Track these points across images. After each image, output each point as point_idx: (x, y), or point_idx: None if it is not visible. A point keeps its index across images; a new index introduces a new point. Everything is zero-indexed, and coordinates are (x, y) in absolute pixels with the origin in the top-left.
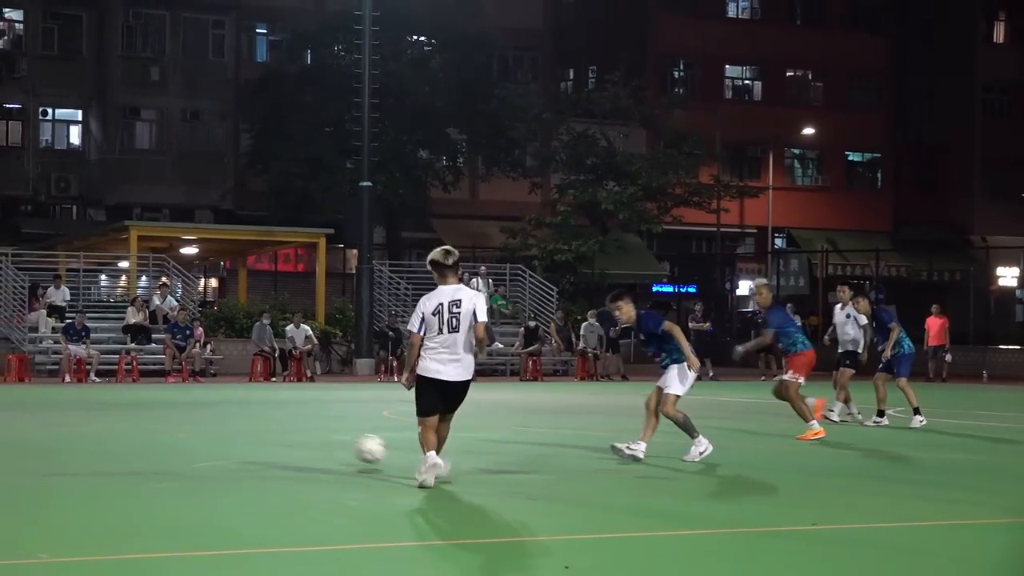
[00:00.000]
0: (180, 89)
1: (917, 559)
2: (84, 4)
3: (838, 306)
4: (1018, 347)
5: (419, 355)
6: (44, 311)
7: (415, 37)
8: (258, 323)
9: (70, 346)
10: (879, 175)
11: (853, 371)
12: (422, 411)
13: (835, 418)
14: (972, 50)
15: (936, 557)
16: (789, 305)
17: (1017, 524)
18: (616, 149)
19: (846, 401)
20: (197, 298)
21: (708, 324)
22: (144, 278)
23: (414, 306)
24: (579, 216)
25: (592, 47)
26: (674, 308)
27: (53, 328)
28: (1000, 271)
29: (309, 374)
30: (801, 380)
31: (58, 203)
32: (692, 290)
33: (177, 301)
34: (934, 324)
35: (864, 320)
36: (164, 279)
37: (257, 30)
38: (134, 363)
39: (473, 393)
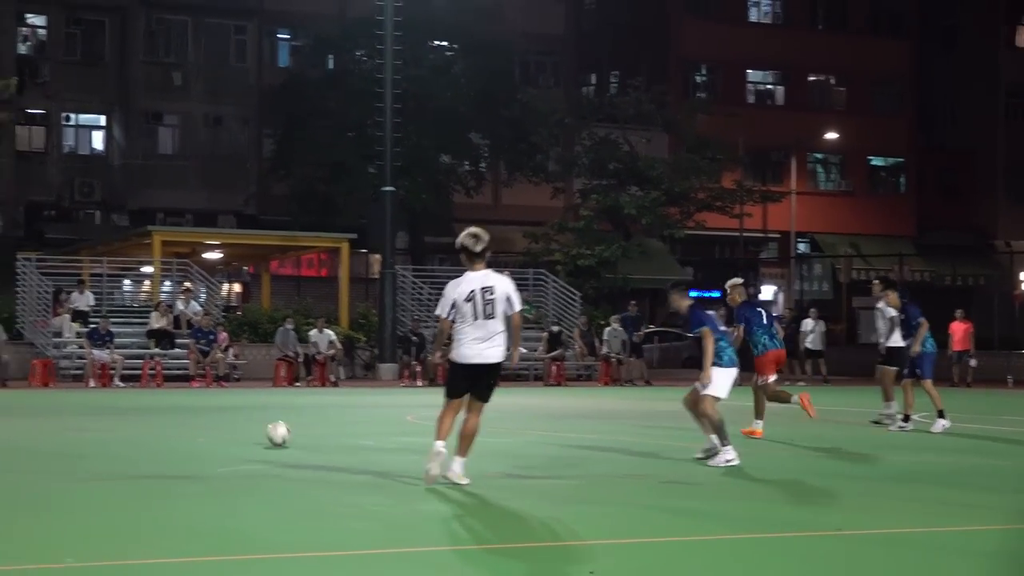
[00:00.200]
0: (202, 94)
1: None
2: (106, 9)
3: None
4: None
5: (450, 340)
6: (68, 316)
7: (437, 42)
8: (281, 328)
9: (94, 351)
10: (902, 180)
11: (894, 369)
12: (450, 393)
13: (895, 427)
14: (995, 54)
15: (961, 559)
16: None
17: None
18: (638, 154)
19: (888, 400)
20: (220, 303)
21: (732, 329)
22: (167, 283)
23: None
24: (602, 221)
25: (614, 52)
26: None
27: (77, 333)
28: None
29: (332, 379)
30: (771, 378)
31: (81, 208)
32: (715, 295)
33: (201, 306)
34: (958, 329)
35: (892, 313)
36: (187, 284)
37: (279, 35)
38: (158, 368)
39: (497, 398)
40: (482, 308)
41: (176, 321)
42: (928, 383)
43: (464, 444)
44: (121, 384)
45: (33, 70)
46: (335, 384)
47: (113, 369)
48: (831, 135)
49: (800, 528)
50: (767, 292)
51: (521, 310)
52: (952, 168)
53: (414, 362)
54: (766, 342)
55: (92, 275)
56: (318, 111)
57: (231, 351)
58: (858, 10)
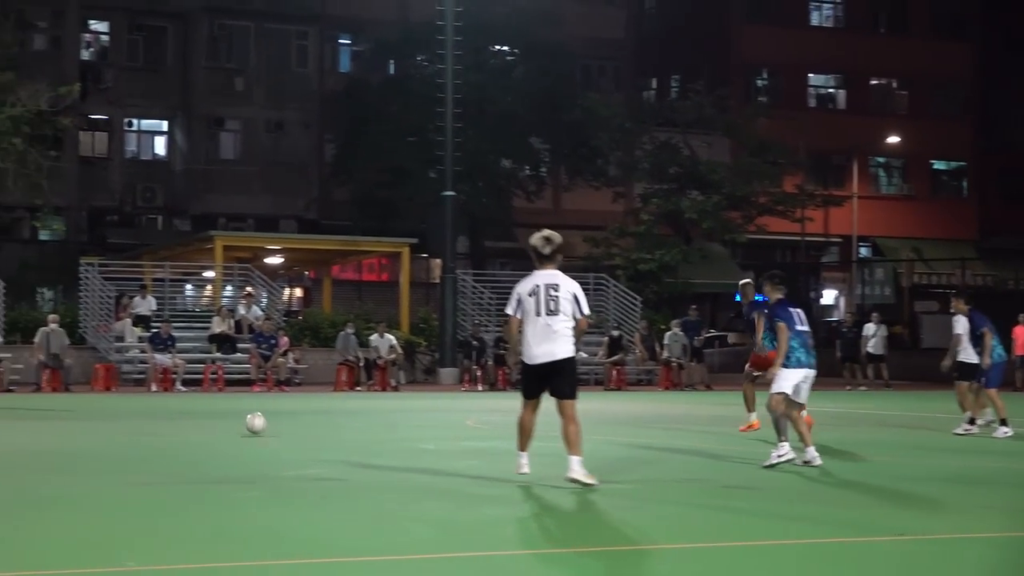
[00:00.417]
0: (264, 99)
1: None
2: (169, 16)
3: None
4: None
5: (521, 339)
6: (130, 320)
7: (498, 47)
8: (342, 332)
9: (156, 355)
10: (964, 184)
11: (966, 383)
12: (524, 394)
13: (999, 434)
14: None
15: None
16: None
17: None
18: (699, 158)
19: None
20: (282, 307)
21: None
22: (229, 288)
23: (498, 315)
24: (662, 225)
25: (674, 56)
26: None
27: (139, 337)
28: None
29: (393, 383)
30: (756, 374)
31: (144, 213)
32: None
33: (262, 311)
34: (1021, 333)
35: (962, 322)
36: (249, 289)
37: (340, 40)
38: (219, 372)
39: None
40: (545, 304)
41: (237, 326)
42: (993, 392)
43: (572, 447)
44: (183, 388)
45: (96, 76)
46: (395, 388)
47: (175, 373)
48: (893, 139)
49: (860, 532)
50: (828, 296)
51: (587, 315)
52: (1015, 171)
53: (474, 366)
54: (767, 344)
55: (154, 280)
56: (379, 116)
57: (292, 355)
58: (920, 13)
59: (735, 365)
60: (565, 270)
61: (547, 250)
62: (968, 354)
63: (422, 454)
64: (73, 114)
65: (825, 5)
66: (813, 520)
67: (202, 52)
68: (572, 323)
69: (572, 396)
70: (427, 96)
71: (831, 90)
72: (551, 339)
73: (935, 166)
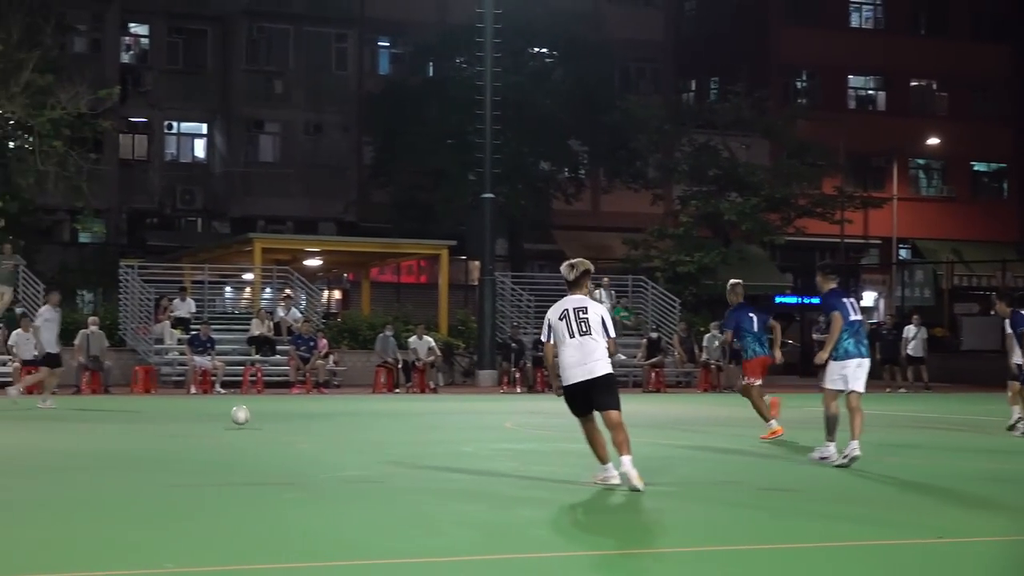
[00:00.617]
0: (303, 102)
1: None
2: (208, 19)
3: None
4: None
5: (557, 363)
6: (169, 323)
7: (536, 49)
8: (381, 335)
9: (195, 357)
10: (1005, 185)
11: (1020, 384)
12: (574, 414)
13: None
14: None
15: None
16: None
17: None
18: (738, 160)
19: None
20: (321, 310)
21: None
22: (268, 290)
23: (537, 317)
24: (701, 227)
25: (713, 58)
26: (797, 319)
27: (179, 340)
28: None
29: (432, 386)
30: (757, 382)
31: (183, 216)
32: (815, 301)
33: (301, 313)
34: None
35: (1006, 325)
36: (288, 291)
37: (380, 43)
38: (259, 374)
39: None
40: (576, 326)
41: (277, 328)
42: None
43: (622, 448)
44: (222, 390)
45: (136, 79)
46: (434, 391)
47: (214, 375)
48: (933, 140)
49: (899, 534)
50: (868, 298)
51: (613, 337)
52: None
53: (513, 368)
54: (756, 348)
55: (193, 282)
56: (418, 118)
57: (331, 358)
58: (959, 14)
59: (773, 367)
60: (605, 273)
61: (572, 276)
62: (1017, 355)
63: (460, 456)
64: (113, 117)
65: (865, 7)
66: (853, 520)
67: (241, 55)
68: (605, 342)
69: (616, 407)
70: (466, 98)
71: (871, 92)
72: (587, 358)
73: (975, 168)
